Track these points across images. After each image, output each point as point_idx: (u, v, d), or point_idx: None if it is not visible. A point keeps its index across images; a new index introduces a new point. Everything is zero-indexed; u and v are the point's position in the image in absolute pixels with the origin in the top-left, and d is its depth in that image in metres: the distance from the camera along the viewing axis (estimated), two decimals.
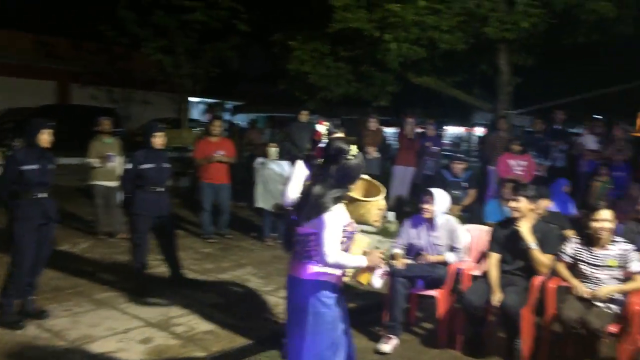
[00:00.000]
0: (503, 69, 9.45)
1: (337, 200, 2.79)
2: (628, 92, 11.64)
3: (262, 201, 7.76)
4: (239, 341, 4.48)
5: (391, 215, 8.42)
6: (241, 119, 23.77)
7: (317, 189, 2.80)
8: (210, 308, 5.17)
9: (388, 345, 4.43)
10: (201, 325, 4.77)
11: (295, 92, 10.18)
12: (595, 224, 4.07)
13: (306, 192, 2.87)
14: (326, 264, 2.75)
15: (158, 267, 6.15)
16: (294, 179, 3.44)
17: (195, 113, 24.59)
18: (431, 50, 8.80)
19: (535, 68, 10.21)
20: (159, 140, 5.51)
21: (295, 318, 2.89)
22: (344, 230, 2.83)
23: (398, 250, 4.89)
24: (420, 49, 8.40)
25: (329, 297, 2.85)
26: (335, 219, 2.76)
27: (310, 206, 2.77)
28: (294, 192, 3.24)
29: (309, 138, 8.72)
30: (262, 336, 4.58)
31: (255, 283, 6.04)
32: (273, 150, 7.92)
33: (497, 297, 4.21)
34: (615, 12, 7.77)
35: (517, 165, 8.34)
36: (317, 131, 3.52)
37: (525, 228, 4.31)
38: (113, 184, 7.43)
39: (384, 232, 7.65)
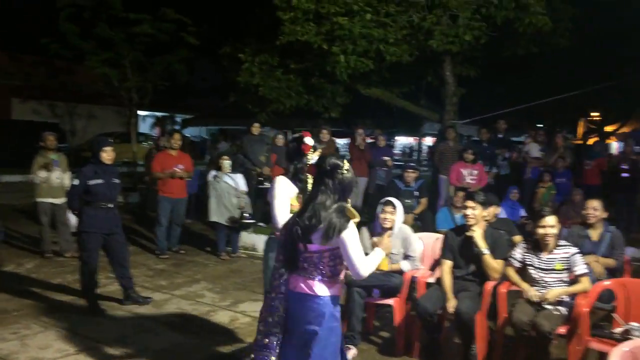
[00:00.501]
0: (448, 80, 9.73)
1: (347, 216, 2.83)
2: (568, 101, 12.22)
3: (216, 215, 7.68)
4: (195, 358, 4.40)
5: None
6: (191, 132, 23.45)
7: (327, 207, 2.81)
8: (165, 325, 5.07)
9: (347, 356, 4.44)
10: (155, 343, 4.66)
11: (246, 104, 10.15)
12: (540, 230, 4.23)
13: (312, 210, 2.83)
14: (360, 277, 2.82)
15: (109, 285, 5.99)
16: (280, 197, 3.42)
17: (144, 127, 24.13)
18: (379, 62, 8.95)
19: (480, 79, 10.55)
20: (107, 155, 5.38)
21: (302, 335, 2.84)
22: None
23: None
24: (368, 61, 8.53)
25: (338, 312, 2.91)
26: (354, 234, 2.80)
27: (328, 226, 2.76)
28: (283, 211, 3.30)
29: (262, 150, 8.77)
30: (218, 352, 4.51)
31: (210, 298, 5.96)
32: (227, 163, 7.86)
33: (451, 304, 4.30)
34: (550, 25, 8.14)
35: (469, 174, 8.57)
36: (305, 144, 3.46)
37: (478, 234, 4.43)
38: (59, 200, 7.22)
39: None
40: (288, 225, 2.94)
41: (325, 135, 8.99)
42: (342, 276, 3.00)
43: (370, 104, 11.45)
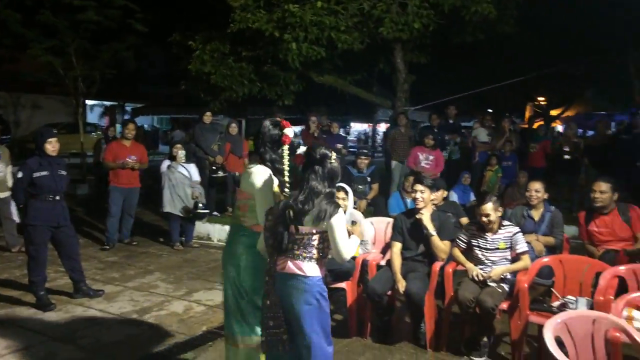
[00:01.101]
0: (399, 67, 9.88)
1: (336, 202, 2.98)
2: (515, 86, 12.61)
3: (170, 205, 7.60)
4: (150, 349, 4.39)
5: None
6: (141, 122, 22.98)
7: (319, 192, 2.94)
8: (117, 318, 5.03)
9: None
10: (108, 336, 4.62)
11: (198, 93, 10.02)
12: (481, 218, 4.41)
13: (305, 195, 2.95)
14: (342, 261, 3.02)
15: (59, 278, 5.88)
16: (265, 189, 3.25)
17: (92, 117, 23.45)
18: (330, 50, 9.00)
19: (431, 66, 10.74)
20: (52, 146, 5.23)
21: (295, 314, 2.93)
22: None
23: None
24: (320, 49, 8.56)
25: (325, 291, 3.01)
26: (342, 220, 2.95)
27: (320, 210, 2.89)
28: (267, 204, 3.19)
29: (214, 139, 8.69)
30: (174, 342, 4.51)
31: (164, 289, 5.93)
32: (181, 152, 7.77)
33: (401, 284, 4.44)
34: (495, 13, 8.35)
35: (425, 159, 8.75)
36: (286, 136, 3.41)
37: (426, 217, 4.57)
38: (2, 194, 6.99)
39: None
40: (278, 209, 2.99)
41: None
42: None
43: (324, 91, 11.48)
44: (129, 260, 7.09)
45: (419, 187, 4.64)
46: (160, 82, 19.66)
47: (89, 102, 20.71)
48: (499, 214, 4.41)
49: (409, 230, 4.73)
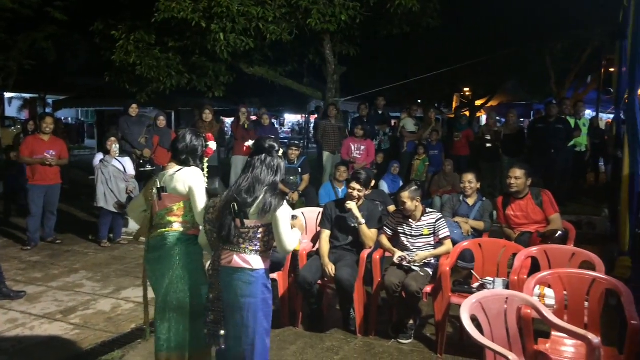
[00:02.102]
0: (329, 58, 9.96)
1: (281, 194, 2.98)
2: (442, 77, 13.01)
3: (103, 200, 7.37)
4: (75, 349, 4.27)
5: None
6: (64, 114, 21.97)
7: (262, 182, 2.94)
8: (41, 319, 4.85)
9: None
10: (30, 338, 4.46)
11: (123, 84, 9.70)
12: (401, 206, 4.56)
13: (248, 185, 2.94)
14: (286, 253, 3.14)
15: None
16: (203, 190, 3.27)
17: (10, 110, 22.20)
18: (260, 41, 8.96)
19: (360, 57, 10.90)
20: None
21: (240, 307, 2.93)
22: None
23: None
24: (248, 40, 8.50)
25: (270, 283, 3.04)
26: (287, 213, 2.96)
27: (265, 203, 2.88)
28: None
29: (141, 132, 8.46)
30: (101, 342, 4.40)
31: (90, 287, 5.76)
32: (115, 146, 7.55)
33: (329, 268, 4.53)
34: (418, 6, 8.57)
35: (357, 149, 8.93)
36: (209, 148, 3.42)
37: (354, 207, 4.67)
38: None
39: None
40: (221, 201, 2.99)
41: (208, 115, 8.87)
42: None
43: (255, 83, 11.42)
44: (53, 260, 6.82)
45: (355, 185, 4.74)
46: (84, 74, 18.80)
47: (7, 94, 19.58)
48: (417, 203, 4.56)
49: (338, 219, 4.83)
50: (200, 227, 3.20)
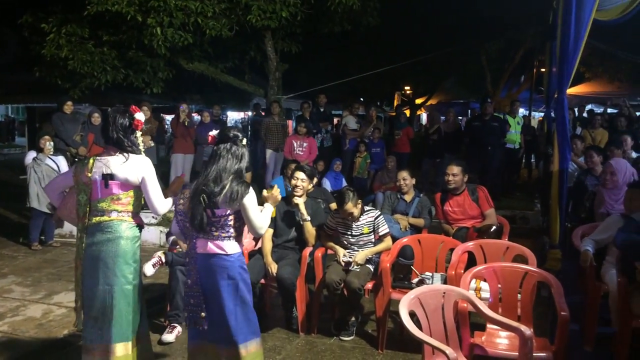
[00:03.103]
0: (270, 55, 9.88)
1: (246, 182, 3.09)
2: (383, 75, 13.19)
3: (36, 201, 7.03)
4: (5, 357, 4.04)
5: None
6: None
7: (228, 171, 3.03)
8: None
9: (171, 335, 4.43)
10: None
11: (54, 79, 9.26)
12: (347, 216, 4.54)
13: (215, 175, 3.03)
14: (259, 235, 3.30)
15: None
16: (156, 179, 3.26)
17: None
18: (199, 37, 8.78)
19: (303, 55, 10.87)
20: None
21: (220, 290, 3.04)
22: None
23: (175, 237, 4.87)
24: (187, 35, 8.29)
25: (245, 264, 3.17)
26: (253, 198, 3.08)
27: (232, 192, 2.98)
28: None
29: (75, 130, 8.11)
30: (31, 349, 4.20)
31: (19, 293, 5.48)
32: (49, 144, 7.21)
33: (272, 267, 4.50)
34: (359, 4, 8.62)
35: (299, 146, 8.90)
36: (137, 120, 3.30)
37: (301, 202, 4.66)
38: None
39: (165, 222, 7.51)
40: (191, 193, 3.07)
41: (146, 112, 8.60)
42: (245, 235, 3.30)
43: (196, 79, 11.15)
44: None
45: (300, 175, 4.73)
46: (14, 68, 17.86)
47: None
48: (359, 206, 4.59)
49: (281, 216, 4.79)
50: (149, 216, 3.24)
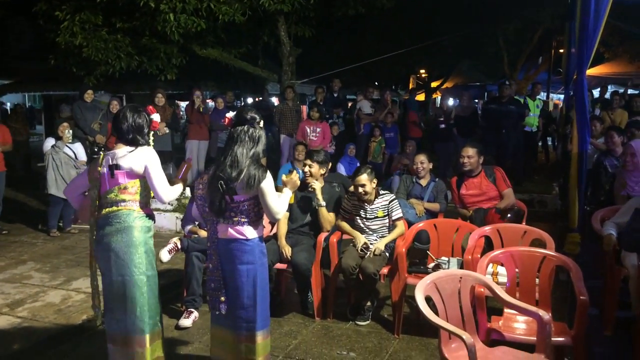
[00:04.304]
0: (284, 40, 9.81)
1: (263, 166, 3.07)
2: (398, 59, 13.06)
3: (54, 187, 7.11)
4: (23, 343, 4.10)
5: (188, 191, 8.33)
6: (11, 100, 21.06)
7: (245, 155, 3.01)
8: None
9: (188, 320, 4.47)
10: None
11: (70, 67, 9.30)
12: (357, 188, 4.53)
13: (232, 159, 3.01)
14: (276, 220, 3.29)
15: None
16: (161, 170, 3.24)
17: None
18: (212, 22, 8.73)
19: (316, 39, 10.79)
20: None
21: (239, 279, 3.07)
22: None
23: (192, 225, 4.89)
24: (200, 20, 8.26)
25: (265, 248, 3.20)
26: (271, 183, 3.06)
27: (249, 177, 2.97)
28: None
29: (94, 118, 8.15)
30: (50, 334, 4.25)
31: (39, 279, 5.56)
32: (67, 132, 7.26)
33: (286, 251, 4.50)
34: None
35: (312, 132, 8.87)
36: (154, 121, 3.34)
37: (318, 188, 4.64)
38: None
39: (181, 208, 7.55)
40: (209, 178, 3.09)
41: (160, 99, 8.62)
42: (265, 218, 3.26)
43: (211, 65, 11.12)
44: None
45: (307, 161, 4.73)
46: (30, 57, 17.97)
47: None
48: (374, 184, 4.56)
49: (296, 201, 4.78)
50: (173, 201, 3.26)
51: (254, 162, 3.03)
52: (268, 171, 3.08)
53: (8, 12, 12.17)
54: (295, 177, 3.35)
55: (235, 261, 3.08)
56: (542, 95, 11.35)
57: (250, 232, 3.08)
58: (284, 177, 3.35)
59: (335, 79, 10.34)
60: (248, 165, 3.00)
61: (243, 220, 3.06)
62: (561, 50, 11.53)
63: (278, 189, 3.29)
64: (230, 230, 3.07)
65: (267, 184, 3.03)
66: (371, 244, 4.52)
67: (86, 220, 3.39)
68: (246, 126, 3.08)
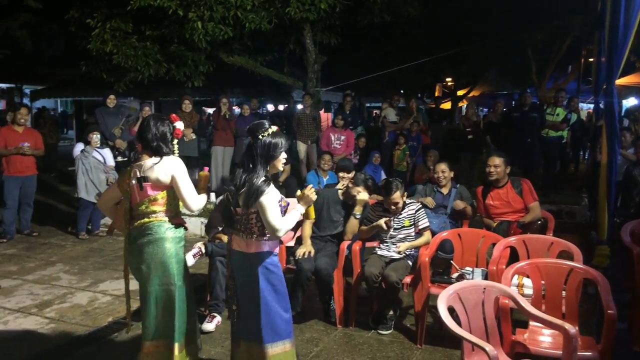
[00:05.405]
0: (309, 47, 9.88)
1: (267, 180, 2.98)
2: (424, 67, 13.00)
3: (84, 191, 7.27)
4: (50, 343, 4.19)
5: (213, 196, 8.42)
6: (42, 105, 21.52)
7: (250, 170, 2.99)
8: (16, 313, 4.76)
9: (211, 324, 4.49)
10: (4, 333, 4.37)
11: (100, 73, 9.52)
12: (391, 206, 4.51)
13: (239, 175, 3.03)
14: (277, 238, 3.04)
15: None
16: (189, 179, 3.27)
17: None
18: (239, 30, 8.84)
19: (342, 47, 10.83)
20: None
21: (248, 291, 3.07)
22: (280, 205, 3.02)
23: (216, 230, 4.94)
24: (227, 28, 8.38)
25: (273, 263, 3.09)
26: (272, 199, 2.95)
27: (248, 193, 2.94)
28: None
29: (116, 123, 8.30)
30: (77, 336, 4.33)
31: (67, 280, 5.67)
32: (96, 137, 7.43)
33: (306, 249, 4.51)
34: None
35: (337, 140, 8.88)
36: (177, 129, 3.36)
37: (363, 199, 4.63)
38: None
39: (205, 213, 7.62)
40: (223, 191, 3.15)
41: (187, 105, 8.75)
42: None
43: (237, 72, 11.26)
44: (29, 252, 6.71)
45: (345, 174, 4.75)
46: (61, 63, 18.43)
47: None
48: (405, 197, 4.55)
49: (327, 209, 4.79)
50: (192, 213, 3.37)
51: (259, 174, 2.98)
52: (272, 186, 2.98)
53: (41, 20, 12.50)
54: (310, 192, 3.16)
55: (245, 273, 3.08)
56: (583, 107, 11.06)
57: (254, 246, 3.04)
58: (298, 192, 3.21)
59: (347, 95, 10.34)
60: (251, 178, 2.97)
61: (247, 233, 3.04)
62: (591, 59, 11.33)
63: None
64: (241, 242, 3.07)
65: (267, 199, 2.93)
66: (394, 252, 4.50)
67: (122, 230, 3.43)
68: (252, 138, 3.04)
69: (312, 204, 3.19)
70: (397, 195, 4.46)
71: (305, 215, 3.20)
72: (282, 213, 3.03)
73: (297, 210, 3.11)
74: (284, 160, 3.15)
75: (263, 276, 3.04)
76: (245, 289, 3.10)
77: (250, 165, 3.01)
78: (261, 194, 2.91)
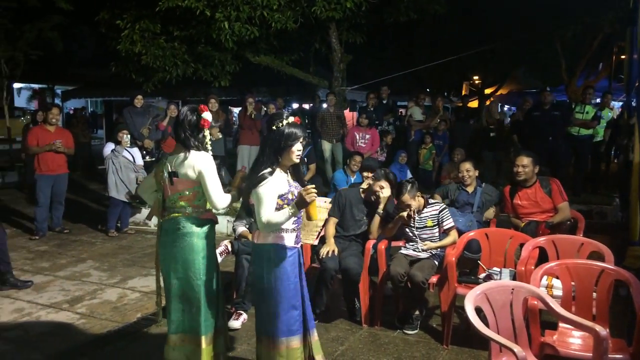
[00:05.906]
0: (335, 46, 9.87)
1: (272, 171, 2.97)
2: (450, 65, 12.87)
3: (115, 190, 7.42)
4: (81, 338, 4.28)
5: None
6: (73, 105, 22.00)
7: (260, 162, 3.02)
8: (47, 308, 4.87)
9: (237, 322, 4.53)
10: (37, 327, 4.48)
11: (129, 74, 9.68)
12: (406, 208, 4.45)
13: (253, 164, 3.14)
14: (263, 229, 3.02)
15: None
16: (217, 175, 3.28)
17: (19, 100, 22.29)
18: (265, 29, 8.89)
19: (368, 45, 10.79)
20: None
21: (264, 286, 3.08)
22: (284, 198, 3.00)
23: (243, 228, 4.97)
24: (253, 28, 8.44)
25: (278, 256, 3.04)
26: (266, 190, 2.92)
27: (248, 182, 3.01)
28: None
29: (144, 123, 8.43)
30: (107, 331, 4.41)
31: (97, 277, 5.78)
32: (126, 137, 7.57)
33: (329, 248, 4.52)
34: None
35: (362, 138, 8.87)
36: (204, 119, 3.32)
37: (386, 196, 4.63)
38: None
39: (232, 212, 7.69)
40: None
41: (214, 104, 8.83)
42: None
43: (263, 72, 11.33)
44: (60, 249, 6.86)
45: (382, 184, 4.71)
46: (92, 64, 18.80)
47: (15, 85, 19.62)
48: (419, 199, 4.51)
49: (351, 209, 4.79)
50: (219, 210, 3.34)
51: (265, 164, 2.97)
52: (274, 177, 2.96)
53: (72, 21, 12.76)
54: (307, 194, 2.87)
55: (261, 267, 3.09)
56: (615, 105, 10.80)
57: (262, 237, 3.07)
58: (300, 190, 3.07)
59: (383, 86, 10.29)
60: (257, 168, 2.99)
61: (256, 223, 3.06)
62: (622, 56, 11.06)
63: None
64: (260, 235, 3.10)
65: (263, 190, 2.91)
66: (420, 250, 4.48)
67: (158, 217, 3.48)
68: (268, 132, 3.06)
69: (307, 205, 2.91)
70: (406, 197, 4.42)
71: (307, 217, 3.04)
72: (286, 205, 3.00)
73: (290, 209, 2.93)
74: (298, 152, 3.08)
75: (266, 268, 3.06)
76: (257, 282, 3.16)
77: (261, 155, 3.04)
78: (258, 183, 2.92)
